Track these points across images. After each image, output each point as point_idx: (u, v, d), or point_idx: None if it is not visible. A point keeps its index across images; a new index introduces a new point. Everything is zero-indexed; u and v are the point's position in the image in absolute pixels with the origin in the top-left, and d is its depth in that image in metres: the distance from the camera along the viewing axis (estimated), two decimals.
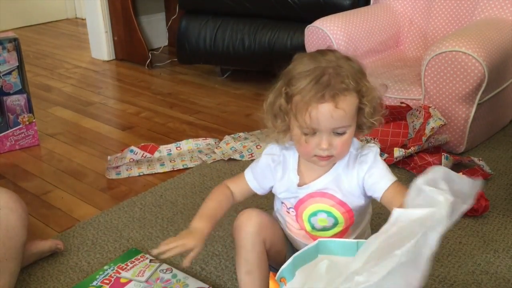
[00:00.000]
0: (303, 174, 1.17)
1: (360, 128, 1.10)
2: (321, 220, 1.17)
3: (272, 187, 1.22)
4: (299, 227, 1.21)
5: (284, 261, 1.00)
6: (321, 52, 1.07)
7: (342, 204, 1.15)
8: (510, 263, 1.43)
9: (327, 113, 1.00)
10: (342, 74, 1.02)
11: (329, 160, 1.09)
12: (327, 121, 1.02)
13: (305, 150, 1.08)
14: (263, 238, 1.16)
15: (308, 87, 1.01)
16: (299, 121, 1.03)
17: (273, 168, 1.19)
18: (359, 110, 1.07)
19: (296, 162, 1.18)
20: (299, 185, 1.16)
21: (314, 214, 1.17)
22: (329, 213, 1.16)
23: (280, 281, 0.99)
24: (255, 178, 1.23)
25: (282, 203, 1.22)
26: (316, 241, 1.02)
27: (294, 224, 1.22)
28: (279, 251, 1.23)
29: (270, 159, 1.19)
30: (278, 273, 0.99)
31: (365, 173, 1.12)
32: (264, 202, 1.74)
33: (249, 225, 1.15)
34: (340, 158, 1.12)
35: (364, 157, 1.13)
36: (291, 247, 1.27)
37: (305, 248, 1.02)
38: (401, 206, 0.98)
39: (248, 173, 1.24)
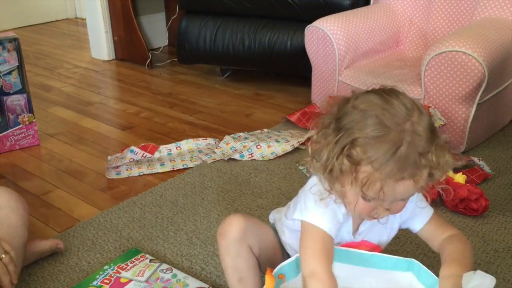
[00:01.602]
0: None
1: None
2: None
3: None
4: None
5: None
6: (388, 102, 0.91)
7: (375, 248, 1.11)
8: (510, 263, 1.43)
9: (403, 191, 0.91)
10: (421, 144, 0.88)
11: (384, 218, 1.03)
12: (400, 197, 0.93)
13: (360, 211, 0.97)
14: (248, 243, 1.12)
15: (383, 160, 0.87)
16: (365, 191, 0.90)
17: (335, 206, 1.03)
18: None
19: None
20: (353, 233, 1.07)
21: None
22: None
23: (278, 277, 0.98)
24: (332, 224, 1.01)
25: None
26: None
27: None
28: (272, 257, 1.17)
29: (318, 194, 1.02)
30: (276, 269, 0.99)
31: (408, 212, 1.06)
32: (264, 202, 1.75)
33: (231, 231, 1.11)
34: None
35: (419, 210, 1.08)
36: (287, 255, 1.22)
37: None
38: (439, 242, 1.03)
39: (322, 220, 1.00)
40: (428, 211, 1.09)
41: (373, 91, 0.95)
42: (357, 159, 0.89)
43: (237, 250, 1.11)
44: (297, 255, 1.01)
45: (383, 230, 1.09)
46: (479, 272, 0.92)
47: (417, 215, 1.09)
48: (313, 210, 1.01)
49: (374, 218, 0.99)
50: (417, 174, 0.89)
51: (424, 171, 0.90)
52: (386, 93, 0.93)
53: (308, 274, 0.96)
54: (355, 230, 1.08)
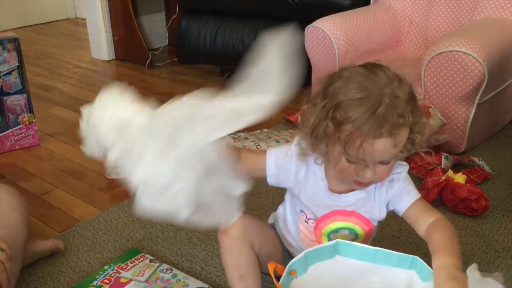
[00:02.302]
0: (332, 182, 1.11)
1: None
2: (342, 236, 1.13)
3: (286, 185, 1.15)
4: (314, 238, 1.16)
5: (281, 265, 0.99)
6: (372, 71, 0.99)
7: (367, 222, 1.13)
8: (510, 263, 1.43)
9: (383, 149, 0.95)
10: (399, 105, 0.95)
11: (369, 185, 1.07)
12: (380, 156, 0.97)
13: (345, 174, 1.03)
14: (249, 241, 1.13)
15: (363, 119, 0.93)
16: (348, 151, 0.96)
17: (298, 164, 1.12)
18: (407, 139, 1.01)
19: (323, 169, 1.12)
20: (331, 190, 1.11)
21: (336, 230, 1.14)
22: (352, 230, 1.14)
23: (290, 273, 0.99)
24: (276, 164, 1.12)
25: (302, 211, 1.16)
26: (334, 241, 1.03)
27: (308, 235, 1.17)
28: (272, 255, 1.18)
29: (298, 151, 1.10)
30: (288, 265, 0.99)
31: (395, 190, 1.11)
32: (264, 202, 1.74)
33: (233, 229, 1.11)
34: (379, 182, 1.09)
35: (397, 176, 1.10)
36: (288, 254, 1.23)
37: (321, 245, 1.03)
38: (425, 228, 1.05)
39: (271, 154, 1.13)
40: (415, 194, 1.11)
41: (359, 65, 1.02)
42: (340, 119, 0.95)
43: (239, 248, 1.12)
44: (306, 251, 1.01)
45: (374, 207, 1.12)
46: (488, 280, 0.92)
47: (404, 196, 1.11)
48: (275, 149, 1.14)
49: (360, 183, 1.04)
50: (395, 133, 0.94)
51: (403, 130, 0.96)
52: (371, 65, 1.01)
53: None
54: (339, 192, 1.11)
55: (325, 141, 1.00)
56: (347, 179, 1.05)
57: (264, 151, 1.14)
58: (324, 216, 1.13)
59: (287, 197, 1.21)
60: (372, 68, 1.00)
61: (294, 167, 1.12)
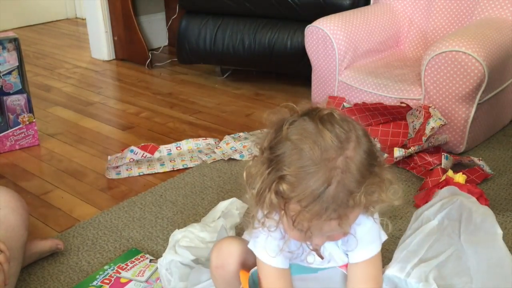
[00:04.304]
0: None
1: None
2: None
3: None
4: None
5: None
6: (321, 132, 0.84)
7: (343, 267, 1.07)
8: None
9: (330, 229, 0.87)
10: (351, 184, 0.83)
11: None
12: (330, 232, 0.89)
13: (295, 239, 0.94)
14: (248, 270, 1.08)
15: (310, 199, 0.82)
16: (295, 225, 0.87)
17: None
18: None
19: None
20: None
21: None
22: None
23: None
24: (278, 254, 0.99)
25: None
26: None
27: None
28: None
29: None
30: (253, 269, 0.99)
31: (352, 244, 0.99)
32: None
33: (232, 263, 1.05)
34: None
35: (366, 244, 0.99)
36: None
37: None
38: None
39: (268, 255, 0.99)
40: (368, 252, 1.00)
41: (310, 117, 0.88)
42: (285, 196, 0.85)
43: (239, 280, 1.06)
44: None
45: (341, 253, 1.04)
46: None
47: (358, 249, 0.99)
48: (260, 241, 0.99)
49: (313, 246, 0.97)
50: (345, 215, 0.84)
51: (355, 210, 0.86)
52: (321, 121, 0.86)
53: None
54: (319, 254, 1.03)
55: (274, 210, 0.90)
56: (301, 242, 0.96)
57: (261, 262, 1.01)
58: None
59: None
60: (322, 127, 0.85)
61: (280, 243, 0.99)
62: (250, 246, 1.02)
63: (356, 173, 0.83)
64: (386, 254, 1.23)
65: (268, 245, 0.99)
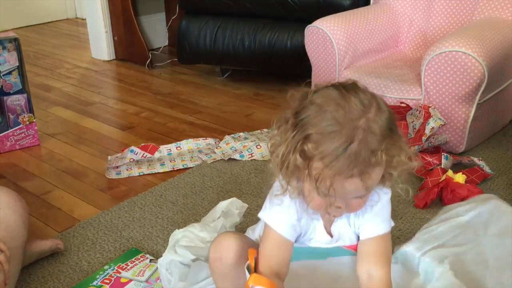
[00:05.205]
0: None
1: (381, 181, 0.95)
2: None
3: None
4: None
5: None
6: (345, 97, 0.89)
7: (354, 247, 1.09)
8: None
9: (352, 189, 0.89)
10: (373, 143, 0.86)
11: (342, 215, 1.01)
12: (350, 194, 0.91)
13: (316, 206, 0.96)
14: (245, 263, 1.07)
15: (333, 156, 0.85)
16: (318, 186, 0.89)
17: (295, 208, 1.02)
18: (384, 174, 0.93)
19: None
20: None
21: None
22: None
23: None
24: (287, 225, 1.01)
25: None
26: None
27: None
28: None
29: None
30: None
31: (365, 219, 1.04)
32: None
33: (229, 256, 1.05)
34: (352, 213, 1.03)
35: (372, 203, 1.02)
36: None
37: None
38: (364, 275, 1.00)
39: (275, 222, 1.01)
40: (383, 228, 1.03)
41: (333, 86, 0.93)
42: (309, 154, 0.88)
43: (237, 273, 1.05)
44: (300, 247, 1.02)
45: (351, 233, 1.06)
46: None
47: (372, 225, 1.03)
48: (270, 210, 1.02)
49: (332, 214, 0.98)
50: (366, 172, 0.87)
51: (376, 169, 0.88)
52: (345, 88, 0.91)
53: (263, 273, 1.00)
54: (328, 231, 1.06)
55: (296, 175, 0.93)
56: (319, 210, 0.99)
57: (268, 227, 1.03)
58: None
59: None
60: (346, 93, 0.90)
61: (295, 215, 1.02)
62: (260, 214, 1.04)
63: (378, 133, 0.87)
64: None
65: (282, 215, 1.01)
